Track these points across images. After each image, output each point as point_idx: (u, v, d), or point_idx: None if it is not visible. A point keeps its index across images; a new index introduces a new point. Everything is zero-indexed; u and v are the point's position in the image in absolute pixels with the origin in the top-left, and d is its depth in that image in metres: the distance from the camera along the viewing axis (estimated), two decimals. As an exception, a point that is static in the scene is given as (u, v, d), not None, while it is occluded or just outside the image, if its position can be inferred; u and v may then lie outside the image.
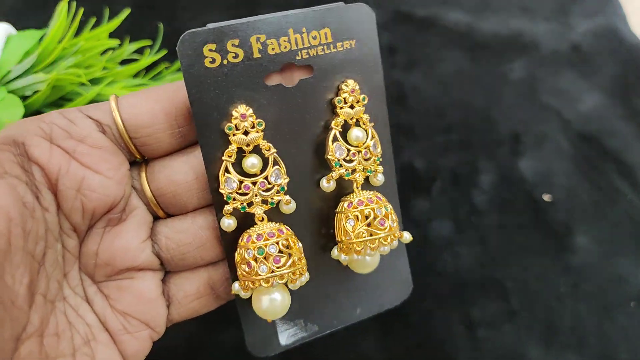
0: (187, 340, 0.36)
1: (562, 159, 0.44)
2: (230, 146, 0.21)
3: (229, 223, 0.22)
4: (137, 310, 0.22)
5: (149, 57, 0.38)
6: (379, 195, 0.23)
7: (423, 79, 0.49)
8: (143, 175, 0.22)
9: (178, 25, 0.50)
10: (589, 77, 0.49)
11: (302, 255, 0.22)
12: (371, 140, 0.23)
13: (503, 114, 0.46)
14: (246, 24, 0.21)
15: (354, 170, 0.23)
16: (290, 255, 0.21)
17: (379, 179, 0.24)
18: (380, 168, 0.24)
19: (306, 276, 0.22)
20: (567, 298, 0.37)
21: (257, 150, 0.22)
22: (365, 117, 0.23)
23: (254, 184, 0.22)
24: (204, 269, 0.23)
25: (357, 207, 0.22)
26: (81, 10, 0.35)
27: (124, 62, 0.40)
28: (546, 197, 0.42)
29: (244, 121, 0.21)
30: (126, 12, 0.37)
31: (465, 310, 0.37)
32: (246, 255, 0.21)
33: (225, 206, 0.21)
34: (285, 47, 0.21)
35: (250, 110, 0.21)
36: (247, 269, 0.21)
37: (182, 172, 0.22)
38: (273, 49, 0.21)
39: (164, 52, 0.40)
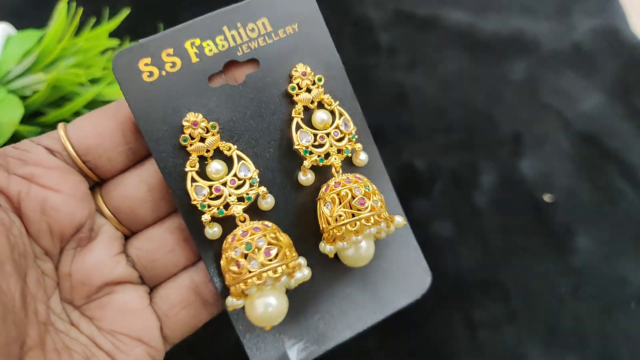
0: (188, 339, 0.36)
1: (563, 159, 0.44)
2: (190, 157, 0.21)
3: (213, 231, 0.21)
4: (124, 326, 0.21)
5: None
6: (359, 175, 0.22)
7: (424, 79, 0.49)
8: (99, 197, 0.22)
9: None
10: (589, 77, 0.49)
11: (292, 248, 0.20)
12: (340, 118, 0.22)
13: (504, 114, 0.46)
14: (177, 31, 0.20)
15: (327, 155, 0.21)
16: (279, 248, 0.19)
17: (361, 158, 0.22)
18: (359, 146, 0.22)
19: (305, 273, 0.20)
20: (568, 299, 0.37)
21: (217, 154, 0.21)
22: (327, 97, 0.22)
23: (224, 184, 0.21)
24: (185, 274, 0.23)
25: (334, 189, 0.20)
26: (81, 10, 0.35)
27: (124, 62, 0.40)
28: (547, 198, 0.41)
29: (197, 128, 0.20)
30: (126, 12, 0.37)
31: (466, 311, 0.37)
32: (233, 255, 0.19)
33: (203, 216, 0.20)
34: (223, 46, 0.21)
35: (200, 116, 0.20)
36: (236, 269, 0.19)
37: (134, 186, 0.22)
38: (211, 50, 0.21)
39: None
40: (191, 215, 0.21)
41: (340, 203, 0.20)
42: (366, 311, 0.23)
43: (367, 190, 0.20)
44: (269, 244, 0.19)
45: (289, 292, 0.21)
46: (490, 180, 0.42)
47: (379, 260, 0.23)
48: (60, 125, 0.21)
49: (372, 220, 0.20)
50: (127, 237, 0.23)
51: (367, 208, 0.20)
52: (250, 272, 0.19)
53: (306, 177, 0.21)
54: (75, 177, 0.21)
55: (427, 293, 0.37)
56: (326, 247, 0.21)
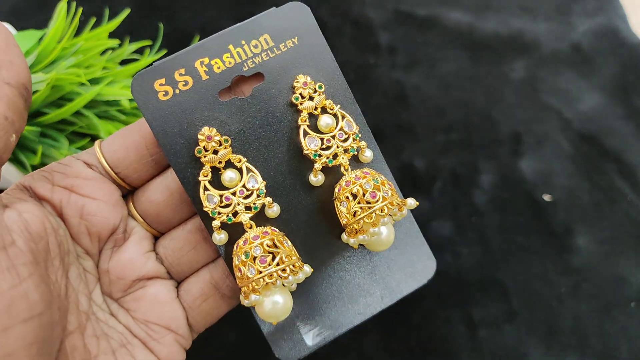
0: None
1: (563, 158, 0.44)
2: (204, 167, 0.22)
3: (220, 238, 0.22)
4: (155, 315, 0.24)
5: (149, 57, 0.38)
6: (366, 170, 0.23)
7: (423, 78, 0.49)
8: (130, 202, 0.25)
9: (178, 25, 0.50)
10: (589, 77, 0.49)
11: (292, 252, 0.22)
12: (343, 120, 0.23)
13: (503, 113, 0.46)
14: (187, 53, 0.22)
15: (335, 155, 0.23)
16: (275, 254, 0.21)
17: (367, 155, 0.24)
18: (364, 143, 0.24)
19: (305, 271, 0.22)
20: (567, 298, 0.37)
21: (228, 165, 0.23)
22: (329, 102, 0.24)
23: (234, 194, 0.22)
24: (205, 270, 0.25)
25: (346, 189, 0.22)
26: (81, 10, 0.35)
27: (124, 62, 0.40)
28: (546, 197, 0.42)
29: (210, 142, 0.22)
30: (126, 12, 0.37)
31: (466, 311, 0.37)
32: (236, 262, 0.22)
33: (213, 222, 0.22)
34: (230, 63, 0.23)
35: (214, 130, 0.22)
36: (239, 274, 0.21)
37: (158, 192, 0.24)
38: (219, 68, 0.23)
39: (164, 52, 0.39)
40: (208, 219, 0.23)
41: (354, 199, 0.22)
42: (374, 298, 0.25)
43: (375, 183, 0.22)
44: (265, 251, 0.21)
45: (305, 282, 0.23)
46: (489, 179, 0.42)
47: (386, 249, 0.25)
48: (97, 142, 0.24)
49: (385, 210, 0.21)
50: (156, 238, 0.25)
51: (378, 200, 0.21)
52: (249, 277, 0.21)
53: (317, 178, 0.23)
54: (109, 186, 0.24)
55: (427, 292, 0.37)
56: (350, 240, 0.23)
